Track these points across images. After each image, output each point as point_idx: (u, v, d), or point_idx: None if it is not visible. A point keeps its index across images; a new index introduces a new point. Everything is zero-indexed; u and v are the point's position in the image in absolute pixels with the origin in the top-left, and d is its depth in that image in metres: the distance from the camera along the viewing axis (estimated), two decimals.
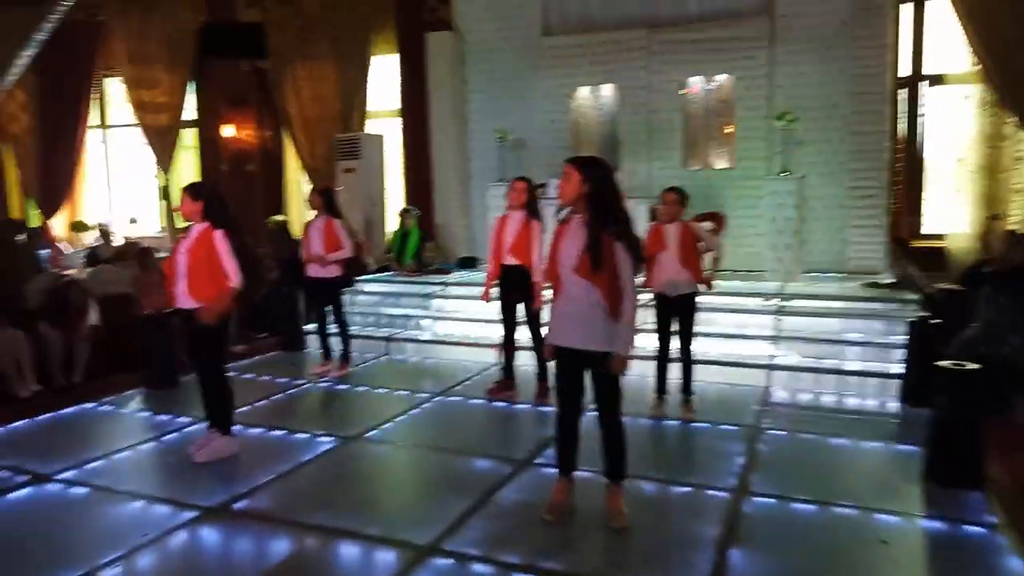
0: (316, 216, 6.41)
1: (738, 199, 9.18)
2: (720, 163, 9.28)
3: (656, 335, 5.29)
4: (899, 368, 5.73)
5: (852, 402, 5.65)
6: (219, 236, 4.28)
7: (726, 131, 9.17)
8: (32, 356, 5.80)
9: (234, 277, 4.32)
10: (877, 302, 6.86)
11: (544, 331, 3.85)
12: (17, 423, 5.08)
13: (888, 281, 7.51)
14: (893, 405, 5.52)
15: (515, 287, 5.46)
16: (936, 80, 9.02)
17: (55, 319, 6.05)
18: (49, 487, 4.01)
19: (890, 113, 8.66)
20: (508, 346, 5.74)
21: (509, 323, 5.66)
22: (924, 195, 9.28)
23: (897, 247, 7.63)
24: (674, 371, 5.28)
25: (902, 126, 9.04)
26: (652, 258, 5.08)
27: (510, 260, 5.44)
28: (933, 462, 4.10)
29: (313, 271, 6.39)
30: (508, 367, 5.77)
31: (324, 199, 6.39)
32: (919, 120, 9.15)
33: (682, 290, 5.11)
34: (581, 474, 3.76)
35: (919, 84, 9.11)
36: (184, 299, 4.34)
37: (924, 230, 9.23)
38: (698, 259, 5.18)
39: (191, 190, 4.41)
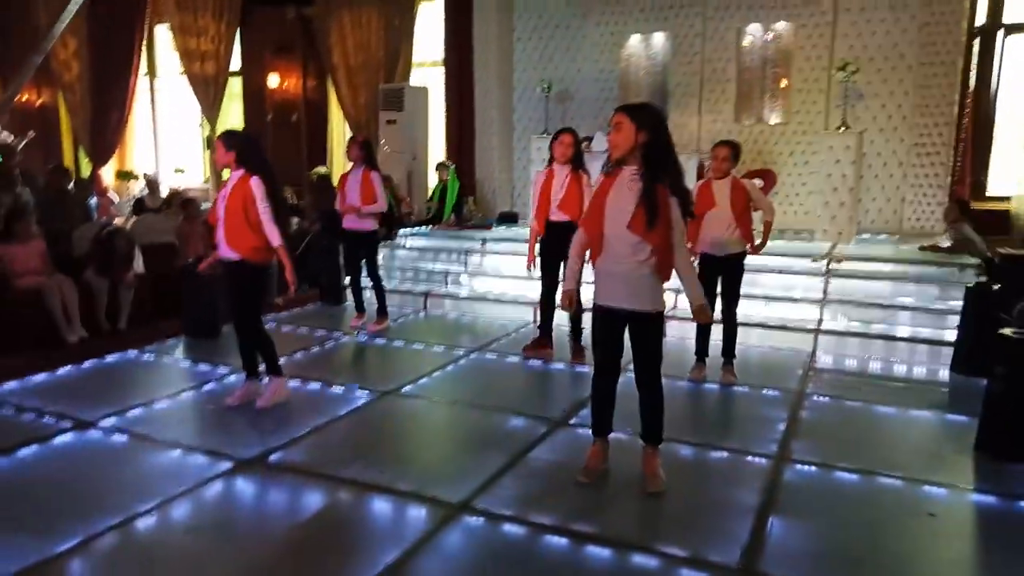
0: (353, 167, 6.34)
1: (791, 155, 8.85)
2: (774, 117, 8.91)
3: None
4: (952, 335, 5.49)
5: (901, 369, 5.45)
6: (255, 183, 4.25)
7: (782, 83, 8.78)
8: (79, 303, 5.92)
9: (274, 238, 4.30)
10: (933, 266, 6.55)
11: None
12: (63, 369, 5.19)
13: (945, 245, 7.16)
14: (944, 373, 5.31)
15: (561, 243, 5.24)
16: (1014, 29, 8.44)
17: (101, 267, 6.15)
18: (91, 433, 4.09)
19: (962, 65, 8.14)
20: (547, 305, 5.62)
21: (551, 281, 5.49)
22: (993, 154, 8.79)
23: (956, 208, 7.23)
24: (715, 334, 5.12)
25: (973, 79, 8.51)
26: (699, 218, 4.79)
27: (558, 216, 5.25)
28: (986, 433, 3.92)
29: (349, 223, 6.35)
30: (546, 326, 5.67)
31: (363, 151, 6.30)
32: (994, 73, 8.59)
33: (730, 250, 4.89)
34: (616, 436, 3.69)
35: (996, 33, 8.53)
36: (224, 248, 4.35)
37: (990, 191, 8.76)
38: (749, 218, 4.96)
39: (224, 138, 4.37)
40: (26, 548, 2.87)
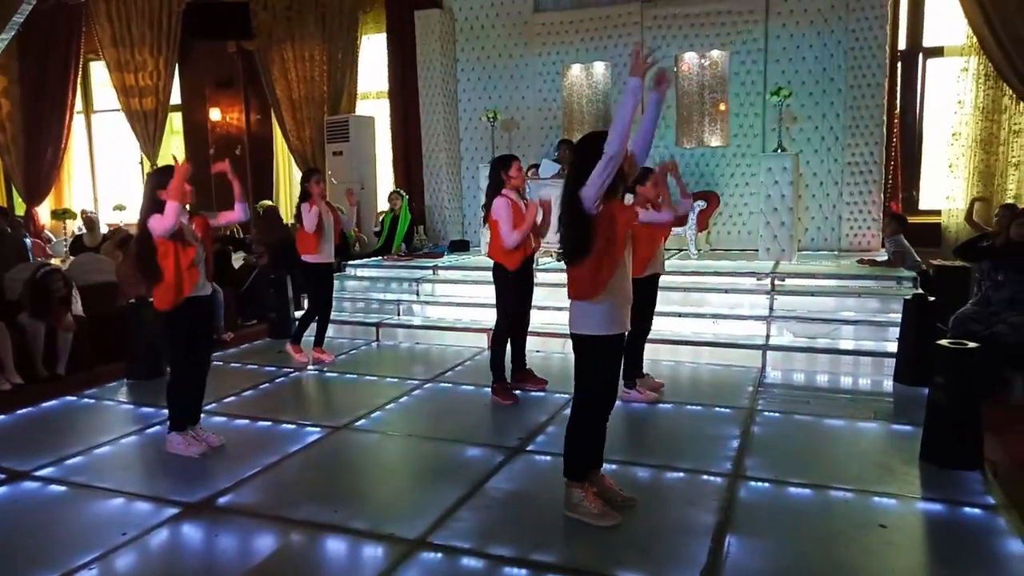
0: (315, 203, 6.15)
1: (732, 177, 9.08)
2: (714, 141, 9.14)
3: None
4: (893, 347, 5.66)
5: (846, 381, 5.59)
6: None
7: (720, 108, 9.03)
8: (13, 348, 5.68)
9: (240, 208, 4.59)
10: (872, 280, 6.77)
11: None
12: None
13: (882, 259, 7.42)
14: (888, 384, 5.46)
15: (530, 278, 5.25)
16: (934, 53, 8.88)
17: (37, 310, 5.92)
18: (26, 485, 3.90)
19: (887, 87, 8.52)
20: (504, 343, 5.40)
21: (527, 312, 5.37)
22: (921, 170, 9.18)
23: (894, 222, 7.52)
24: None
25: (899, 100, 8.90)
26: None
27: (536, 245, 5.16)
28: (930, 443, 4.03)
29: (323, 257, 6.23)
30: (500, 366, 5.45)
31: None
32: (917, 94, 9.01)
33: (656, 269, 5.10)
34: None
35: (917, 57, 8.96)
36: (207, 286, 4.27)
37: (921, 206, 9.14)
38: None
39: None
40: None
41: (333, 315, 6.79)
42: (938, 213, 8.78)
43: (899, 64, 8.83)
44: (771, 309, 6.60)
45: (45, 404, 5.29)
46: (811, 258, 8.11)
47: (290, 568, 3.08)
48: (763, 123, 8.84)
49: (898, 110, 8.89)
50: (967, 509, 3.48)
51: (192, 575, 3.05)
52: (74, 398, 5.46)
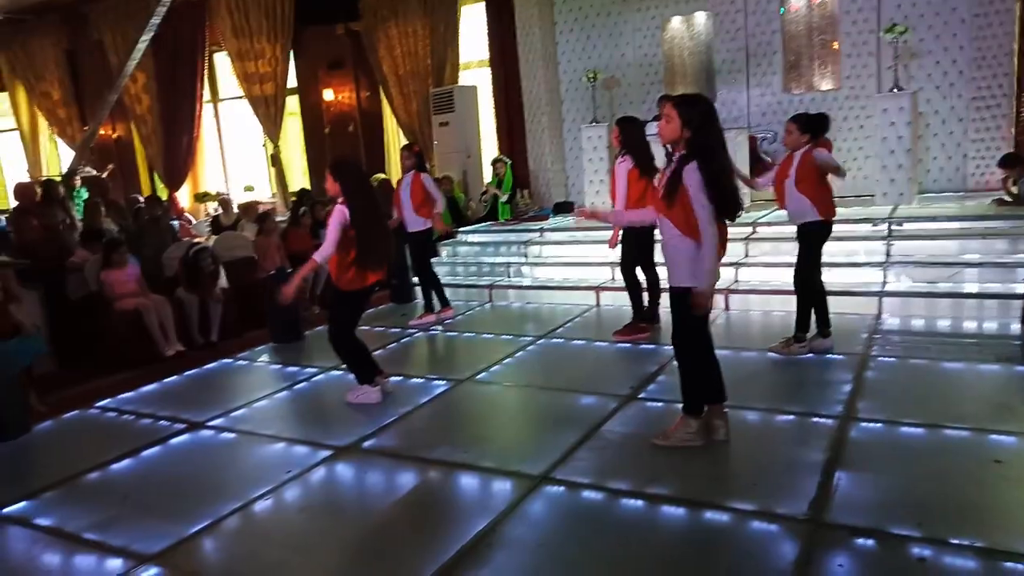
0: (405, 174, 6.69)
1: (845, 121, 8.78)
2: (825, 84, 8.85)
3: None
4: (1022, 288, 5.44)
5: (969, 325, 5.44)
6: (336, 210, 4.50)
7: (835, 45, 8.68)
8: (174, 319, 6.42)
9: (320, 254, 4.53)
10: (999, 220, 6.46)
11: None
12: (168, 379, 5.68)
13: (1008, 199, 7.03)
14: (1015, 327, 5.28)
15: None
16: None
17: (191, 284, 6.64)
18: (203, 433, 4.52)
19: (1019, 11, 7.94)
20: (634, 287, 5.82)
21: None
22: None
23: (1014, 160, 7.06)
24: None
25: None
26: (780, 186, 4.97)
27: None
28: None
29: (409, 225, 6.69)
30: (640, 307, 5.82)
31: (415, 157, 6.67)
32: None
33: (803, 218, 4.93)
34: (675, 407, 3.90)
35: None
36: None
37: None
38: (817, 188, 4.87)
39: (331, 170, 4.59)
40: (164, 531, 3.27)
41: (447, 279, 7.19)
42: None
43: None
44: (888, 255, 6.45)
45: (207, 367, 5.99)
46: (933, 200, 7.78)
47: (431, 498, 3.49)
48: (878, 62, 8.47)
49: None
50: None
51: (349, 505, 3.52)
52: (230, 360, 6.15)
